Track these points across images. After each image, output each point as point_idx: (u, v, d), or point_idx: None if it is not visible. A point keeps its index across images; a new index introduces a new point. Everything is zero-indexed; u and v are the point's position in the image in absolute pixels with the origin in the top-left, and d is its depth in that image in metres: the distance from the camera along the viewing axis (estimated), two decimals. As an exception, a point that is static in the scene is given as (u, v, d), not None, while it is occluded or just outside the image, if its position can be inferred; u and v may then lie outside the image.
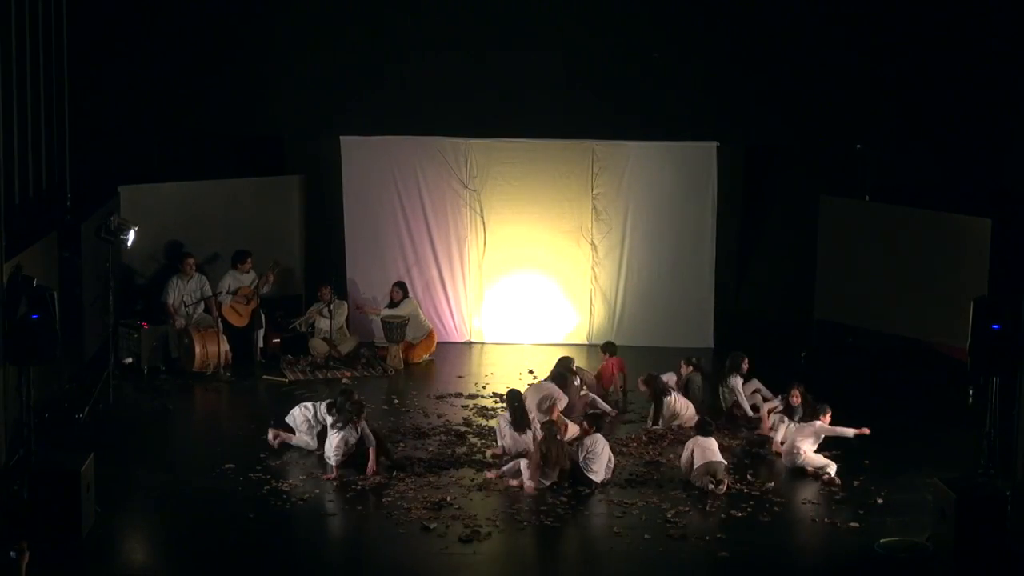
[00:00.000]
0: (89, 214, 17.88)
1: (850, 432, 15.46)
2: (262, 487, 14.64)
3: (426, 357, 19.38)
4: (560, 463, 14.69)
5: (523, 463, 14.79)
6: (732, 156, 20.06)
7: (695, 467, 14.80)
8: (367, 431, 15.11)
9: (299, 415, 15.72)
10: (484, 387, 18.21)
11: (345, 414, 15.06)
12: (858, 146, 19.66)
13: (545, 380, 16.67)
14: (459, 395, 17.89)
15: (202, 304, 18.78)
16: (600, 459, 14.81)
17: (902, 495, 14.62)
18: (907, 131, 19.81)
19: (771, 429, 16.16)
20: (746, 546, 13.59)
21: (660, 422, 16.56)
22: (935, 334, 18.41)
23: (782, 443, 15.67)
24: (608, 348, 17.87)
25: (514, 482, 14.76)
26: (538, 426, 15.21)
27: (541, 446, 14.71)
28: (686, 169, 19.84)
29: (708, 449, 14.86)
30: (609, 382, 17.57)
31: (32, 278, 14.51)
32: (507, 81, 19.84)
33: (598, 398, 16.95)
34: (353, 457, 15.07)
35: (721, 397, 16.98)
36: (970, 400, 17.09)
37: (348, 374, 18.49)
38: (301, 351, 19.10)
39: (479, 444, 16.01)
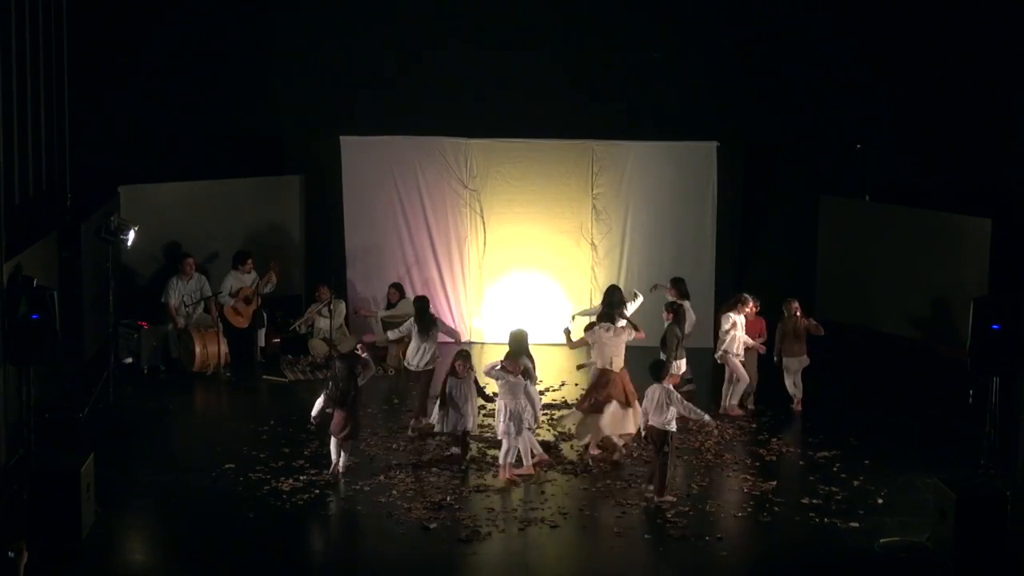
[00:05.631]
0: (89, 214, 17.88)
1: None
2: (262, 487, 14.64)
3: (426, 357, 19.36)
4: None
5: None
6: (732, 156, 20.06)
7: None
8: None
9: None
10: (484, 387, 18.17)
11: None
12: (858, 146, 19.66)
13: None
14: (459, 395, 17.89)
15: (202, 304, 18.78)
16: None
17: (902, 495, 14.62)
18: (907, 131, 19.81)
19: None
20: (746, 546, 13.61)
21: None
22: (935, 336, 18.41)
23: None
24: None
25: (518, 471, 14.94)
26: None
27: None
28: (686, 169, 19.86)
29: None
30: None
31: (32, 278, 14.51)
32: (507, 81, 19.84)
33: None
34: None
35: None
36: (970, 400, 17.08)
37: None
38: (301, 351, 19.11)
39: (479, 445, 16.01)
